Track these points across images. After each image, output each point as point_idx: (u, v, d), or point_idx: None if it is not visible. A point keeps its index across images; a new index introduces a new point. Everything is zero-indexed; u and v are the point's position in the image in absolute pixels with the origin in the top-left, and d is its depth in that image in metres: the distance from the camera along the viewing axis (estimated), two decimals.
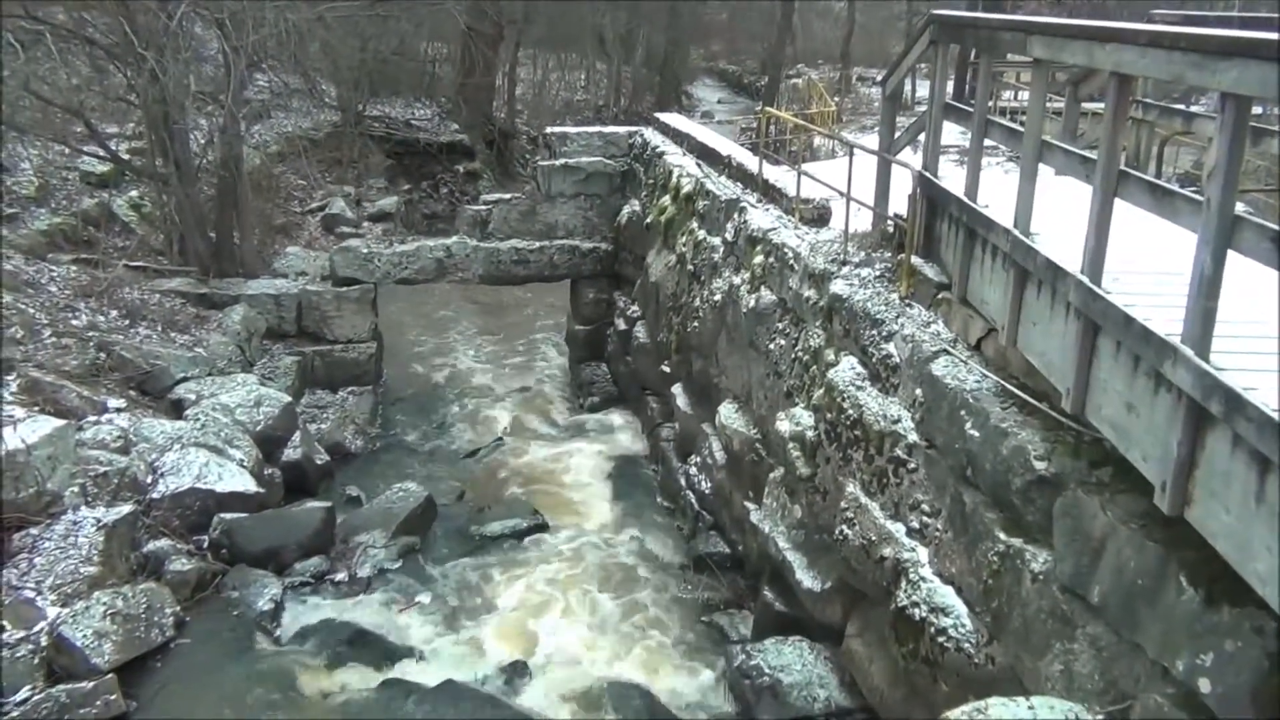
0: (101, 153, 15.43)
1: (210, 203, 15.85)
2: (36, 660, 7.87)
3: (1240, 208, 4.23)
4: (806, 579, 8.52)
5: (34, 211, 15.31)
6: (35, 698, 7.59)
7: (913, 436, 7.14)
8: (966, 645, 6.19)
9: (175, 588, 9.24)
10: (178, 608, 9.02)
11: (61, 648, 7.94)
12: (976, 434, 6.23)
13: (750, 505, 10.00)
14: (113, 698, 7.80)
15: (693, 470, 12.05)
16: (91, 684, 7.78)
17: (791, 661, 8.36)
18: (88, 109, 15.14)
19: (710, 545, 11.08)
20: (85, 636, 8.03)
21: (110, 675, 7.94)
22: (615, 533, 12.14)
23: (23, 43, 13.78)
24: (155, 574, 9.33)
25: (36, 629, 8.05)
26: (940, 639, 6.36)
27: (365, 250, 15.71)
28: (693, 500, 11.82)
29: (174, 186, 14.70)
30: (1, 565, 8.52)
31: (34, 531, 8.90)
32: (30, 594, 8.31)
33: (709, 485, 11.55)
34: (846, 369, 8.22)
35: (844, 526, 7.70)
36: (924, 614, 6.54)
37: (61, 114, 14.79)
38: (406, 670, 9.26)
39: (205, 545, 10.13)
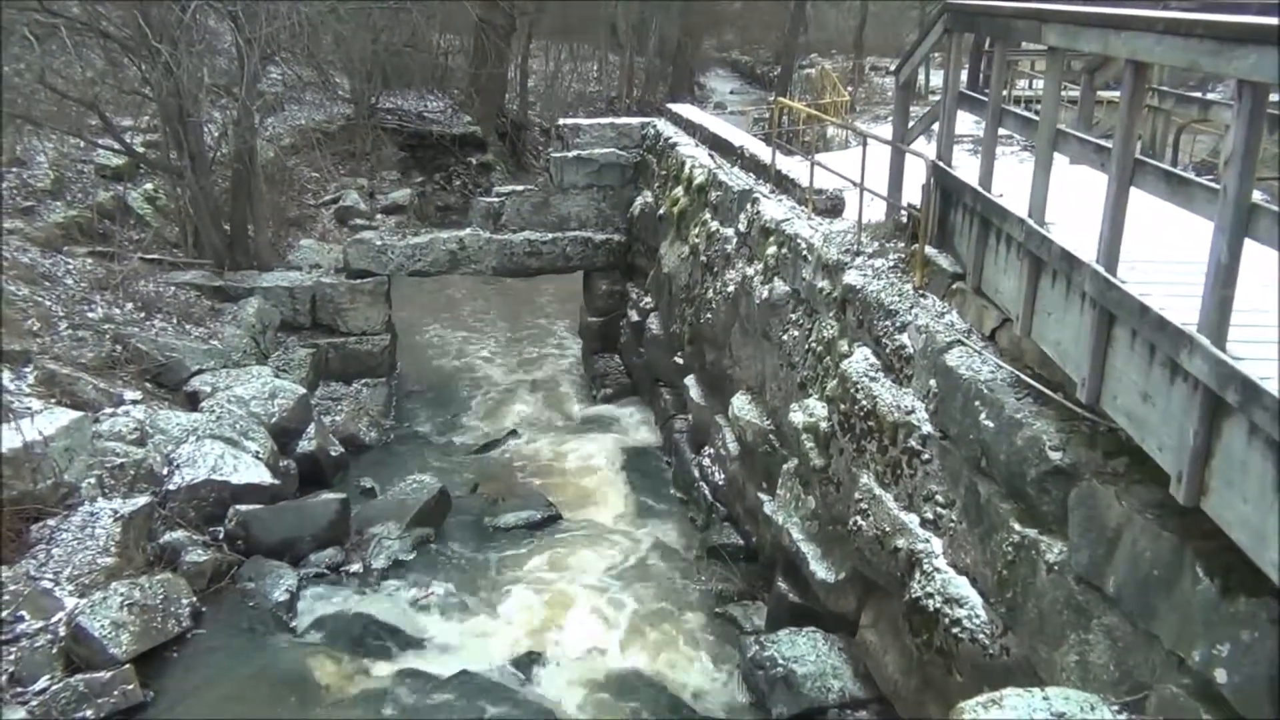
0: (116, 146, 15.51)
1: (224, 195, 15.91)
2: (55, 650, 7.94)
3: (1257, 195, 4.20)
4: (820, 570, 8.52)
5: (49, 204, 15.40)
6: (54, 687, 7.66)
7: (927, 427, 7.12)
8: (981, 636, 6.18)
9: (191, 579, 9.29)
10: (194, 598, 9.08)
11: (79, 638, 8.01)
12: (991, 424, 6.21)
13: (764, 496, 10.01)
14: (130, 688, 7.86)
15: (706, 462, 12.05)
16: (109, 674, 7.84)
17: (805, 652, 8.37)
18: (102, 102, 15.21)
19: (723, 536, 11.09)
20: (103, 627, 8.10)
21: (128, 666, 8.00)
22: (628, 524, 12.16)
23: (38, 36, 13.84)
24: (171, 565, 9.39)
25: (55, 619, 8.12)
26: (954, 630, 6.35)
27: (379, 242, 15.75)
28: (706, 492, 11.83)
29: (188, 179, 14.76)
30: (20, 556, 8.60)
31: (51, 523, 8.97)
32: (48, 584, 8.38)
33: (722, 476, 11.55)
34: (860, 360, 8.21)
35: (858, 517, 7.69)
36: (938, 605, 6.54)
37: (76, 107, 14.86)
38: (421, 661, 9.30)
39: (221, 536, 10.18)
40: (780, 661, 8.32)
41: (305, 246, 16.78)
